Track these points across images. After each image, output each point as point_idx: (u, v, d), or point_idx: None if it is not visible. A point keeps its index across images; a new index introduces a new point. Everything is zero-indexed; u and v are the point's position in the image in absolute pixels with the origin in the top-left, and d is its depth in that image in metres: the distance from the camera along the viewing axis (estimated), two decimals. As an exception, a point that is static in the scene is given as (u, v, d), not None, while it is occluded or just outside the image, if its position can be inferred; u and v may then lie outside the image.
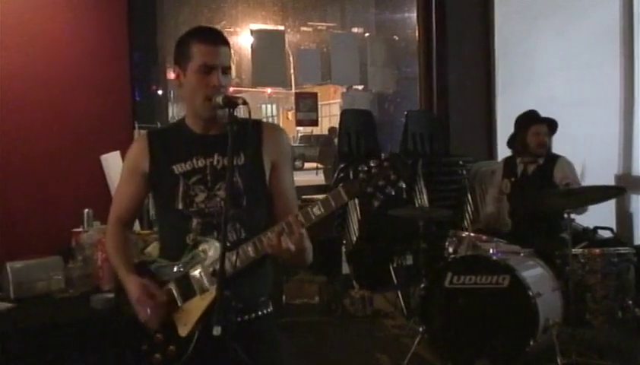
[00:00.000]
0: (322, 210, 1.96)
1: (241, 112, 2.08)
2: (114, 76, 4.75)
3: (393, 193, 1.94)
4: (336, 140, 10.82)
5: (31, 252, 3.74)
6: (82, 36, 4.59)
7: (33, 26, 4.38)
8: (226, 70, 2.13)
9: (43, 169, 4.39)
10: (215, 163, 2.17)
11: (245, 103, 2.05)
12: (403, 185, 1.96)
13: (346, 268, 6.06)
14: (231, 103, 2.04)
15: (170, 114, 9.81)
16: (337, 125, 12.12)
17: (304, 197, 4.81)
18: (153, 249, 3.59)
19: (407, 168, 1.96)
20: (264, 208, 2.21)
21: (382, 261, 5.77)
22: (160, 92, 5.48)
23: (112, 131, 4.71)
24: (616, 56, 5.89)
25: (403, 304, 5.31)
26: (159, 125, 5.31)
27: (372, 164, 1.93)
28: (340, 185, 1.97)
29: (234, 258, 2.01)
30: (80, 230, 3.93)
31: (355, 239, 6.06)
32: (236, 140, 2.00)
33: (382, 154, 1.95)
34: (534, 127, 4.79)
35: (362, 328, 5.05)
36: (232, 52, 2.17)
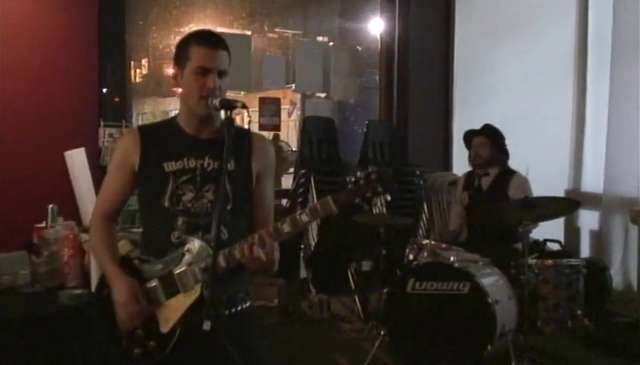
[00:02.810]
0: (309, 217, 2.04)
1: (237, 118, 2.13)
2: (82, 73, 4.73)
3: (378, 204, 2.05)
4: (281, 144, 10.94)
5: (-9, 246, 3.70)
6: (51, 33, 4.56)
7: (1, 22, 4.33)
8: (223, 73, 2.18)
9: (6, 164, 4.34)
10: (206, 165, 2.21)
11: (244, 106, 2.11)
12: (389, 198, 2.06)
13: (303, 272, 6.14)
14: (228, 105, 2.09)
15: (134, 114, 9.76)
16: (284, 132, 12.25)
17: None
18: (121, 246, 3.58)
19: (393, 182, 2.05)
20: (247, 214, 2.27)
21: (340, 266, 5.85)
22: (125, 91, 5.45)
23: (77, 127, 4.69)
24: (569, 78, 6.16)
25: (360, 308, 5.40)
26: (123, 123, 5.27)
27: (360, 176, 2.02)
28: (329, 195, 2.04)
29: (223, 259, 2.06)
30: (43, 225, 3.89)
31: (314, 243, 6.14)
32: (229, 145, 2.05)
33: (369, 167, 2.05)
34: (473, 141, 4.99)
35: (320, 332, 5.12)
36: (230, 56, 2.22)
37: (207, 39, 2.20)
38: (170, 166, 2.21)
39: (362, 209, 2.05)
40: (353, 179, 2.02)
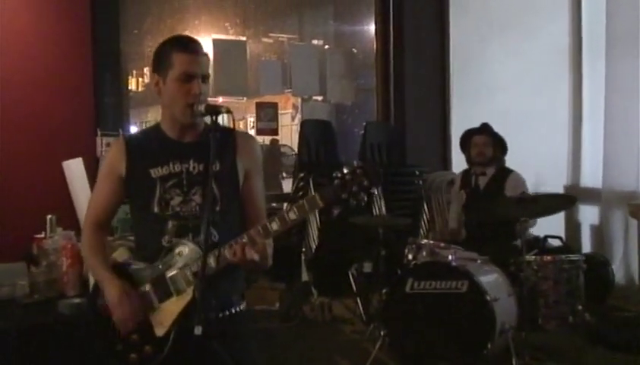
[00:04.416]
0: (297, 214, 2.05)
1: (224, 120, 2.15)
2: (77, 83, 4.75)
3: (365, 199, 2.04)
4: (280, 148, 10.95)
5: (-10, 257, 3.71)
6: (45, 44, 4.58)
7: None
8: (205, 78, 2.20)
9: (4, 175, 4.35)
10: (191, 168, 2.24)
11: (228, 111, 2.13)
12: (375, 192, 2.08)
13: (305, 275, 6.14)
14: (214, 111, 2.11)
15: (137, 122, 9.80)
16: (285, 137, 12.25)
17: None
18: (119, 255, 3.60)
19: (378, 175, 2.06)
20: (236, 214, 2.29)
21: (341, 268, 5.85)
22: (121, 100, 5.47)
23: (74, 137, 4.71)
24: (565, 73, 6.18)
25: (362, 310, 5.39)
26: (120, 132, 5.29)
27: (346, 171, 2.04)
28: (316, 192, 2.06)
29: (213, 260, 2.07)
30: (42, 235, 3.90)
31: (314, 246, 6.14)
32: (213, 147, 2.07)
33: (355, 162, 2.06)
34: (473, 139, 5.00)
35: (322, 334, 5.11)
36: (210, 61, 2.24)
37: (189, 46, 2.20)
38: (156, 172, 2.23)
39: (350, 204, 2.05)
40: (339, 175, 2.04)
